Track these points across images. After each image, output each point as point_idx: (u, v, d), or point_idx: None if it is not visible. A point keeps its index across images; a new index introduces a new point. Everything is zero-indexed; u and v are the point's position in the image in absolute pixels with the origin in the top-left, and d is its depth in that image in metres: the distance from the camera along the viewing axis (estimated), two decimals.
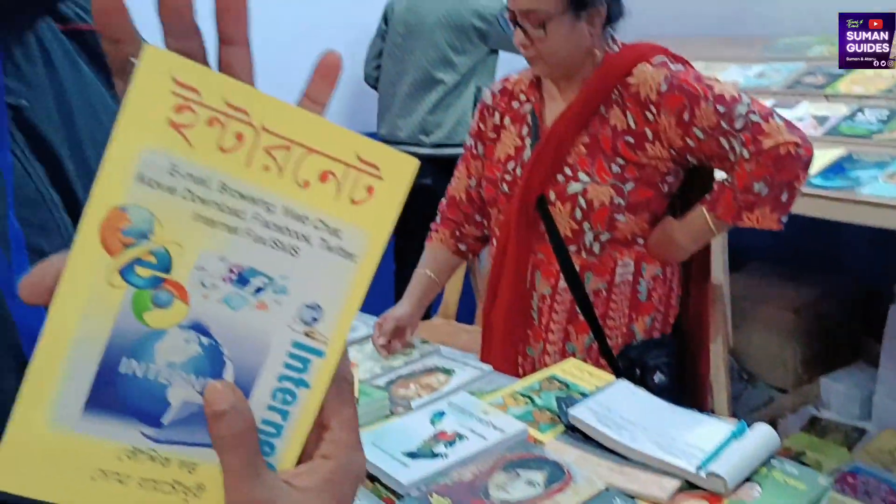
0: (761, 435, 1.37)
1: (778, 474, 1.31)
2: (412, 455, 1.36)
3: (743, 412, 2.96)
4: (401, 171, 0.42)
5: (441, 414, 1.49)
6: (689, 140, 1.75)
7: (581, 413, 1.42)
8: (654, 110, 1.76)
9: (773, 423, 2.87)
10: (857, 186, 2.36)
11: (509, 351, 1.96)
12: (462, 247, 2.12)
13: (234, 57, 0.42)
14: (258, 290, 0.42)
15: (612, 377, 1.67)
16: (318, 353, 0.43)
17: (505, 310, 1.95)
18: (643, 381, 1.80)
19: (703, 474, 1.27)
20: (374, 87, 3.67)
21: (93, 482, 0.42)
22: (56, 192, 0.60)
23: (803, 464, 2.55)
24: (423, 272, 2.06)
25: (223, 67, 0.42)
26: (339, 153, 0.41)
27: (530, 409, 1.54)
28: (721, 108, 1.72)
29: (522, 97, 1.96)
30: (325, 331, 0.43)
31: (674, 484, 1.28)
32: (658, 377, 1.86)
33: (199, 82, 0.38)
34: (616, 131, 1.80)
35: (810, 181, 1.74)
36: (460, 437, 1.41)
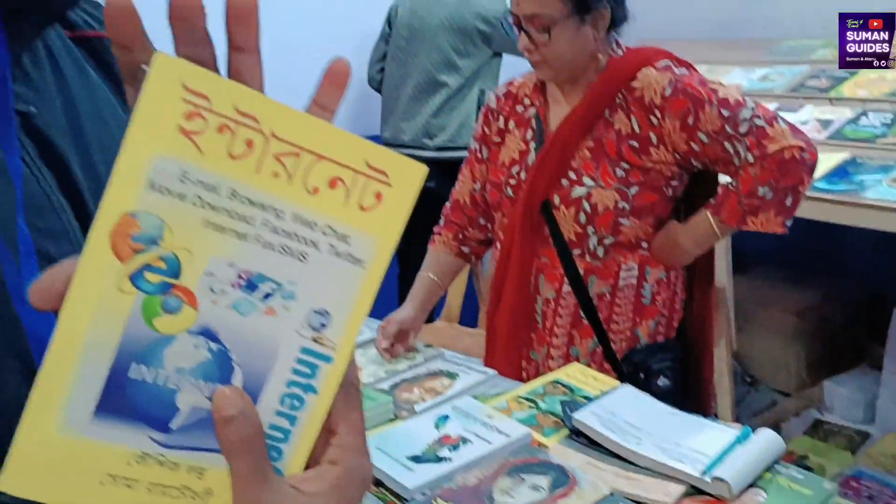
0: (766, 440, 1.37)
1: (783, 479, 1.30)
2: (416, 459, 1.35)
3: (746, 416, 2.96)
4: (409, 177, 0.42)
5: (445, 418, 1.49)
6: (693, 144, 1.75)
7: (585, 417, 1.42)
8: (658, 114, 1.76)
9: (777, 427, 2.88)
10: (861, 190, 2.36)
11: (513, 355, 1.96)
12: (465, 250, 2.12)
13: (245, 64, 0.42)
14: (267, 295, 0.42)
15: (616, 382, 1.67)
16: (327, 359, 0.44)
17: (509, 314, 1.95)
18: (647, 386, 1.80)
19: (707, 479, 1.27)
20: (378, 91, 3.68)
21: (102, 487, 0.42)
22: (64, 198, 0.60)
23: (806, 468, 2.56)
24: (427, 275, 2.06)
25: (233, 74, 0.42)
26: (349, 160, 0.41)
27: (534, 414, 1.54)
28: (725, 112, 1.72)
29: (527, 101, 1.96)
30: (333, 336, 0.43)
31: (678, 489, 1.28)
32: (662, 381, 1.86)
33: (209, 89, 0.38)
34: (620, 135, 1.80)
35: (814, 185, 1.74)
36: (465, 441, 1.41)
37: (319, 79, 0.45)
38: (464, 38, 3.40)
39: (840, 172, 2.48)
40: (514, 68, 2.94)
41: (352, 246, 0.42)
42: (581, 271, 1.86)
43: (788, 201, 1.73)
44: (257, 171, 0.40)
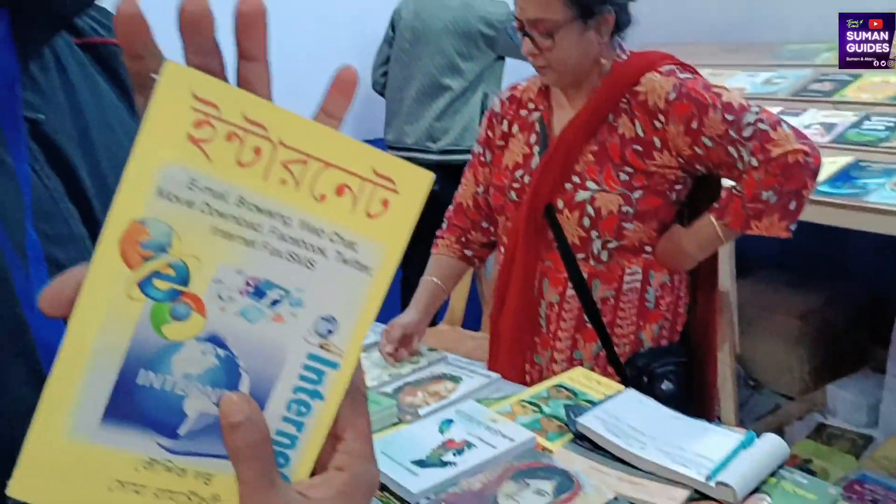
0: (770, 445, 1.37)
1: (787, 484, 1.30)
2: (421, 463, 1.36)
3: (749, 419, 2.96)
4: (416, 184, 0.42)
5: (449, 422, 1.49)
6: (697, 148, 1.75)
7: (589, 422, 1.42)
8: (662, 118, 1.76)
9: (780, 431, 2.88)
10: (865, 194, 2.36)
11: (517, 358, 1.96)
12: (468, 253, 2.12)
13: (253, 72, 0.42)
14: (274, 302, 0.42)
15: (620, 386, 1.67)
16: (333, 366, 0.44)
17: (512, 317, 1.95)
18: (651, 389, 1.80)
19: (712, 484, 1.27)
20: (382, 94, 3.68)
21: (110, 493, 0.42)
22: (72, 204, 0.60)
23: (810, 472, 2.56)
24: (430, 279, 2.06)
25: (242, 82, 0.42)
26: (356, 167, 0.41)
27: (538, 418, 1.54)
28: (729, 117, 1.72)
29: (531, 105, 1.97)
30: (340, 343, 0.43)
31: (683, 494, 1.28)
32: (666, 385, 1.86)
33: (218, 98, 0.39)
34: (624, 139, 1.80)
35: (818, 188, 1.74)
36: (469, 445, 1.41)
37: (327, 86, 0.45)
38: (467, 41, 3.40)
39: (843, 176, 2.48)
40: (518, 71, 2.94)
41: (359, 253, 0.42)
42: (585, 275, 1.86)
43: (792, 205, 1.73)
44: (265, 178, 0.40)
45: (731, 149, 1.72)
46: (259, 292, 0.41)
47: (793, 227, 1.75)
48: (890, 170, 2.42)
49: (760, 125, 1.72)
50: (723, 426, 1.50)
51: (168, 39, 0.42)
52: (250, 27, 0.41)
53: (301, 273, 0.42)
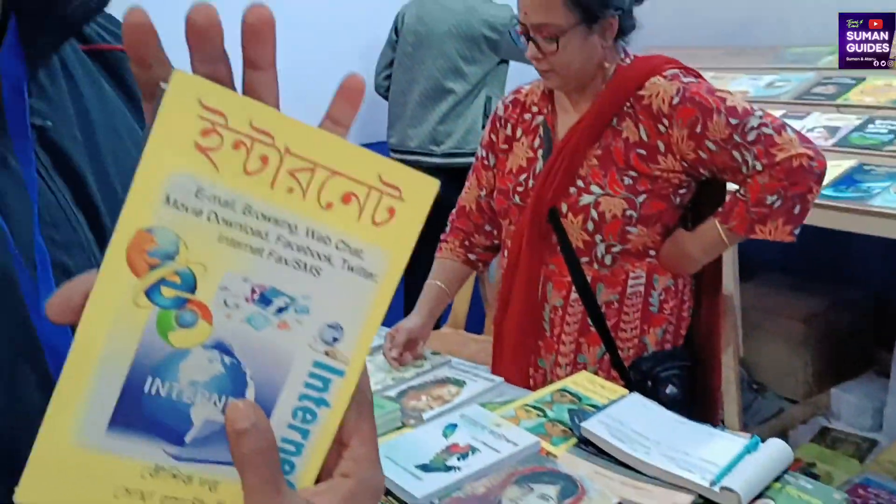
0: (775, 450, 1.37)
1: (792, 490, 1.30)
2: (425, 468, 1.36)
3: (753, 423, 2.96)
4: (422, 192, 0.42)
5: (453, 426, 1.49)
6: (701, 152, 1.75)
7: (594, 426, 1.42)
8: (666, 123, 1.76)
9: (784, 434, 2.88)
10: (868, 197, 2.36)
11: (521, 362, 1.96)
12: (472, 257, 2.12)
13: (260, 81, 0.42)
14: (280, 309, 0.42)
15: (624, 390, 1.66)
16: (339, 373, 0.44)
17: (516, 321, 1.95)
18: (655, 393, 1.80)
19: (716, 489, 1.27)
20: (385, 97, 3.68)
21: (116, 499, 0.42)
22: (79, 210, 0.61)
23: (814, 475, 2.55)
24: (434, 283, 2.06)
25: (249, 91, 0.42)
26: (362, 175, 0.41)
27: (542, 422, 1.54)
28: (733, 121, 1.72)
29: (534, 109, 1.97)
30: (345, 350, 0.43)
31: (687, 499, 1.28)
32: (670, 389, 1.86)
33: (225, 106, 0.39)
34: (628, 143, 1.80)
35: (821, 192, 1.74)
36: (473, 449, 1.41)
37: (333, 94, 0.45)
38: (471, 44, 3.40)
39: (847, 180, 2.48)
40: (521, 74, 2.94)
41: (365, 260, 0.42)
42: (589, 279, 1.86)
43: (797, 210, 1.73)
44: (272, 186, 0.40)
45: (735, 153, 1.72)
46: (265, 300, 0.41)
47: (797, 231, 1.75)
48: (893, 173, 2.43)
49: (765, 129, 1.72)
50: (727, 431, 1.50)
51: (175, 46, 0.42)
52: (258, 37, 0.41)
53: (307, 280, 0.42)
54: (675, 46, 3.02)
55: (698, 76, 1.85)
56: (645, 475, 1.33)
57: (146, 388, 0.41)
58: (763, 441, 1.40)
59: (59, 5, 0.61)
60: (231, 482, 0.43)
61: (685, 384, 1.91)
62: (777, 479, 1.32)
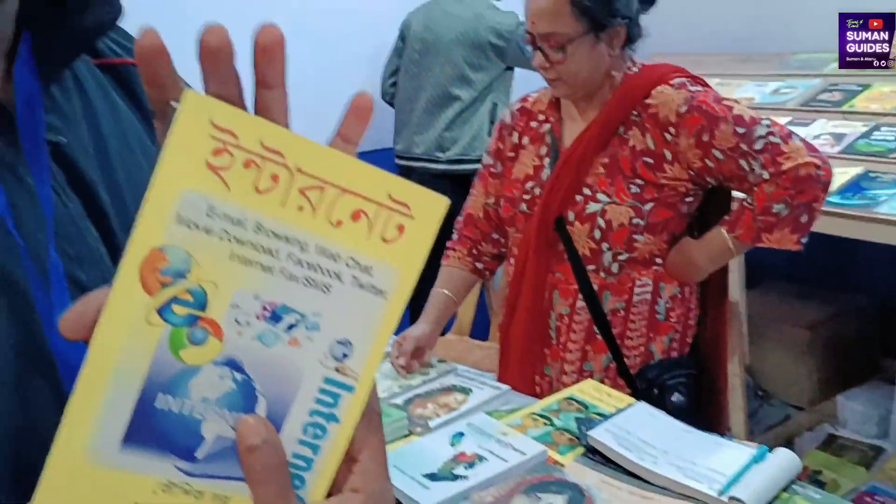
0: (783, 459, 1.37)
1: (800, 499, 1.30)
2: (432, 477, 1.36)
3: (759, 430, 2.95)
4: (431, 209, 0.43)
5: (461, 435, 1.49)
6: (708, 161, 1.75)
7: (601, 435, 1.42)
8: (673, 131, 1.76)
9: (790, 441, 2.87)
10: (875, 205, 2.35)
11: (527, 370, 1.96)
12: (479, 265, 2.12)
13: (271, 99, 0.43)
14: (291, 326, 0.42)
15: (631, 399, 1.66)
16: (349, 389, 0.44)
17: (523, 329, 1.95)
18: (661, 401, 1.80)
19: (724, 499, 1.26)
20: (391, 104, 3.69)
21: None
22: (92, 224, 0.61)
23: (820, 483, 2.55)
24: (441, 291, 2.06)
25: (259, 109, 0.43)
26: (372, 193, 0.42)
27: (549, 431, 1.54)
28: (740, 130, 1.72)
29: (541, 117, 1.97)
30: (355, 366, 0.44)
31: None
32: (676, 397, 1.85)
33: (236, 126, 0.39)
34: (635, 152, 1.80)
35: (827, 199, 1.74)
36: (480, 458, 1.41)
37: (343, 112, 0.45)
38: (477, 52, 3.40)
39: (853, 187, 2.47)
40: (527, 81, 2.94)
41: (374, 277, 0.42)
42: (595, 287, 1.86)
43: (803, 218, 1.73)
44: (282, 204, 0.40)
45: (742, 161, 1.72)
46: (276, 317, 0.42)
47: (804, 239, 1.75)
48: None
49: (772, 138, 1.72)
50: (734, 440, 1.50)
51: (185, 62, 0.43)
52: (269, 56, 0.41)
53: (317, 297, 0.42)
54: (680, 53, 3.02)
55: (705, 85, 1.86)
56: (652, 485, 1.33)
57: (158, 405, 0.41)
58: (770, 449, 1.40)
59: (72, 20, 0.61)
60: (242, 497, 0.43)
61: (691, 392, 1.91)
62: (785, 489, 1.32)
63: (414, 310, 2.07)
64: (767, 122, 1.74)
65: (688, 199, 1.83)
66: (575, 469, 1.39)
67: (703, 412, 1.96)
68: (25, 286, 0.55)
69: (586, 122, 1.87)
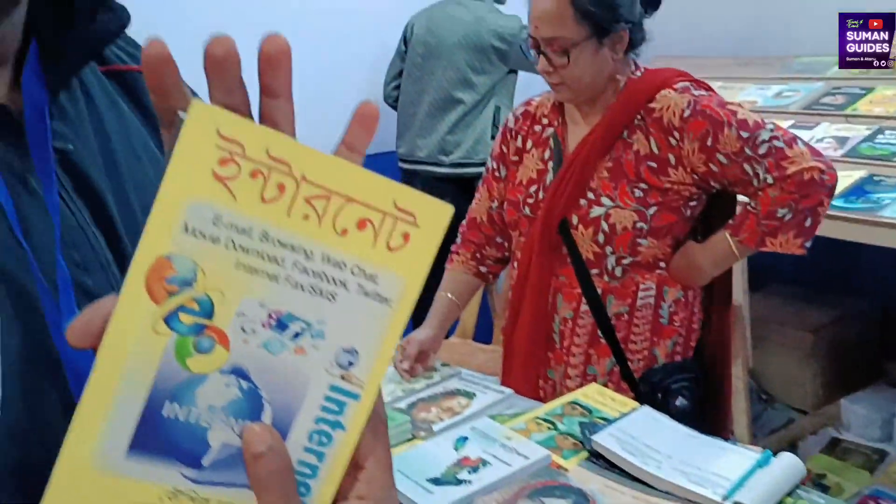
0: (787, 464, 1.37)
1: None
2: (436, 481, 1.36)
3: (762, 434, 2.95)
4: (436, 218, 0.43)
5: (464, 439, 1.49)
6: (712, 165, 1.75)
7: (605, 440, 1.42)
8: (677, 136, 1.76)
9: (793, 445, 2.87)
10: (878, 208, 2.35)
11: (530, 373, 1.96)
12: (483, 269, 2.13)
13: (277, 109, 0.43)
14: (296, 334, 0.42)
15: (634, 403, 1.66)
16: (354, 396, 0.44)
17: (526, 332, 1.95)
18: (665, 405, 1.80)
19: None
20: (394, 108, 3.69)
21: None
22: (99, 231, 0.61)
23: (823, 487, 2.54)
24: (445, 295, 2.06)
25: (265, 118, 0.43)
26: (377, 202, 0.42)
27: (553, 435, 1.54)
28: (744, 134, 1.72)
29: (545, 121, 1.97)
30: (360, 374, 0.44)
31: None
32: (680, 401, 1.85)
33: (242, 136, 0.39)
34: (639, 156, 1.80)
35: (831, 202, 1.74)
36: (484, 463, 1.41)
37: (348, 121, 0.46)
38: (480, 55, 3.41)
39: (857, 190, 2.47)
40: (530, 85, 2.95)
41: (380, 285, 0.43)
42: (599, 291, 1.86)
43: (808, 223, 1.73)
44: (288, 214, 0.40)
45: (746, 166, 1.72)
46: (281, 325, 0.42)
47: (808, 244, 1.75)
48: None
49: (776, 142, 1.72)
50: (739, 445, 1.50)
51: (191, 70, 0.43)
52: (274, 66, 0.42)
53: (323, 306, 0.42)
54: (683, 56, 3.02)
55: (709, 89, 1.86)
56: (656, 489, 1.33)
57: (164, 413, 0.41)
58: (774, 453, 1.40)
59: (79, 28, 0.62)
60: None
61: (695, 396, 1.91)
62: (789, 494, 1.32)
63: (417, 314, 2.07)
64: (771, 127, 1.74)
65: (691, 203, 1.83)
66: (579, 473, 1.39)
67: (707, 416, 1.96)
68: (33, 293, 0.55)
69: (590, 126, 1.87)
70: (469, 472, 1.38)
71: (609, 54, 1.80)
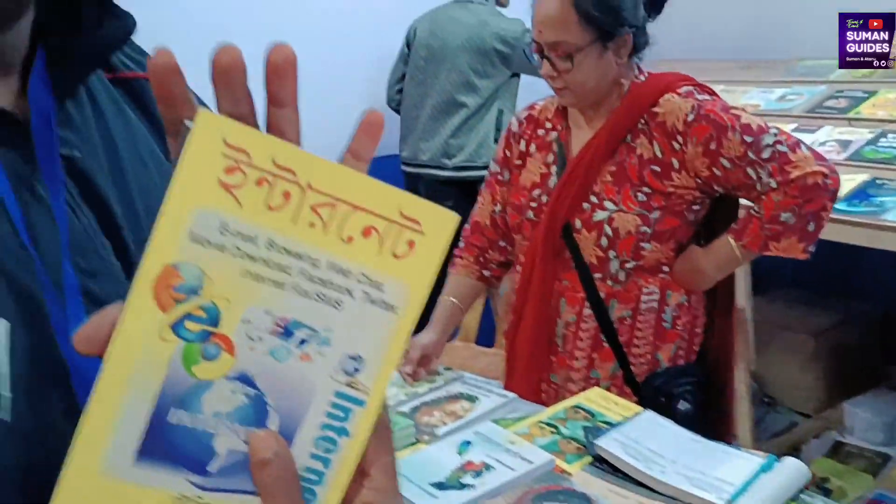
0: (790, 468, 1.37)
1: None
2: (440, 486, 1.36)
3: (765, 437, 2.94)
4: (441, 225, 0.43)
5: (468, 444, 1.49)
6: (715, 170, 1.75)
7: (608, 444, 1.42)
8: (680, 140, 1.76)
9: (796, 449, 2.86)
10: (881, 212, 2.35)
11: (533, 377, 1.96)
12: (486, 273, 2.13)
13: (283, 118, 0.43)
14: (302, 342, 0.42)
15: (638, 407, 1.66)
16: (360, 403, 0.44)
17: (529, 336, 1.95)
18: (668, 409, 1.79)
19: None
20: (397, 111, 3.70)
21: None
22: (106, 237, 0.62)
23: (827, 490, 2.54)
24: (448, 299, 2.06)
25: (271, 127, 0.43)
26: (382, 209, 0.42)
27: (556, 439, 1.53)
28: (748, 138, 1.72)
29: (548, 125, 1.97)
30: (366, 381, 0.44)
31: None
32: (683, 405, 1.85)
33: (248, 145, 0.39)
34: (642, 160, 1.81)
35: (834, 206, 1.74)
36: (488, 467, 1.41)
37: (354, 129, 0.46)
38: (482, 58, 3.41)
39: (860, 194, 2.47)
40: (533, 88, 2.95)
41: (385, 293, 0.43)
42: (602, 295, 1.86)
43: (811, 227, 1.73)
44: (294, 221, 0.41)
45: (749, 170, 1.73)
46: (287, 332, 0.42)
47: (811, 248, 1.75)
48: None
49: (779, 147, 1.72)
50: (742, 449, 1.50)
51: (189, 63, 0.43)
52: (281, 75, 0.42)
53: (329, 313, 0.42)
54: (685, 60, 3.02)
55: (713, 93, 1.86)
56: (660, 494, 1.33)
57: (171, 419, 0.41)
58: (778, 457, 1.40)
59: (86, 36, 0.62)
60: None
61: (698, 400, 1.90)
62: (793, 499, 1.32)
63: (420, 317, 2.07)
64: (775, 131, 1.74)
65: (695, 208, 1.83)
66: (582, 478, 1.39)
67: (709, 420, 1.96)
68: (40, 299, 0.55)
69: (593, 130, 1.87)
70: (473, 477, 1.38)
71: (613, 58, 1.80)
